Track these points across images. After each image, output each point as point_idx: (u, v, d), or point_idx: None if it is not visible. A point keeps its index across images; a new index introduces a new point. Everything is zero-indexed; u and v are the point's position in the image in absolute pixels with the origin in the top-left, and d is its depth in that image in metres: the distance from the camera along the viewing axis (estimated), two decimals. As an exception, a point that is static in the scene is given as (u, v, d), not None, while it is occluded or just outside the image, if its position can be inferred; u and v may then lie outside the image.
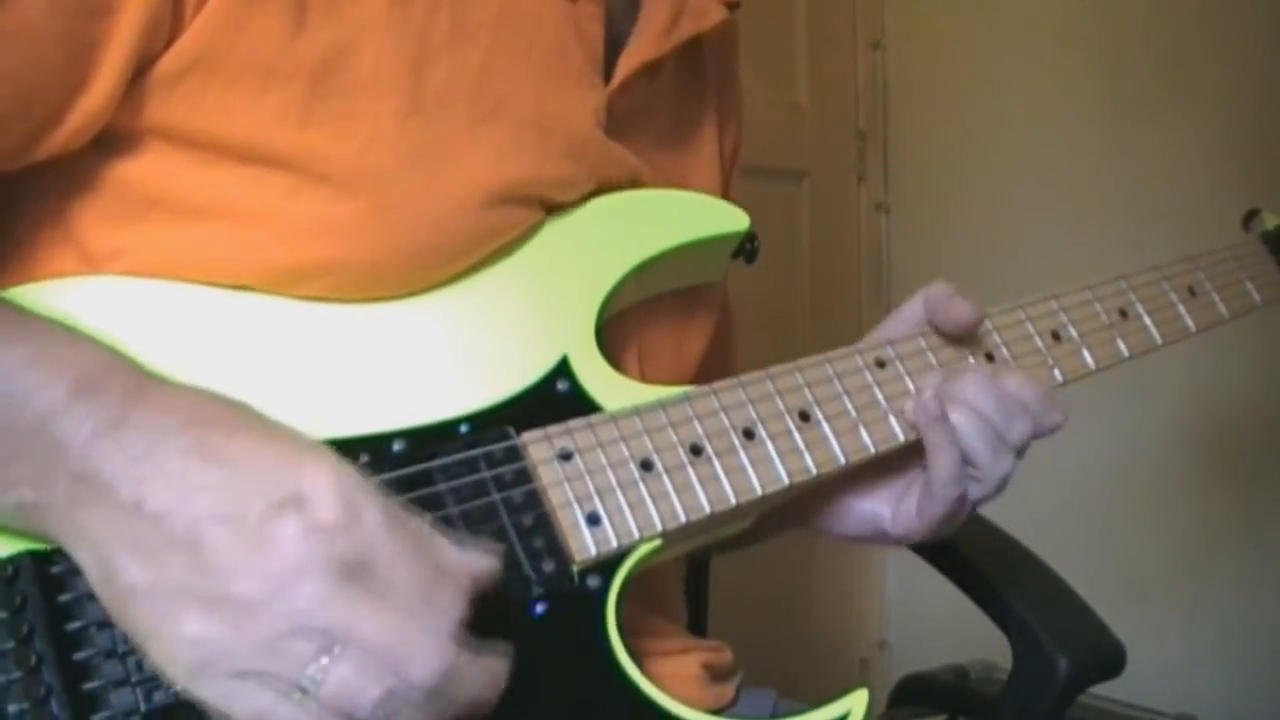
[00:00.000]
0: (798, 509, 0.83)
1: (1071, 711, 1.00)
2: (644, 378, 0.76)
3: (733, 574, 1.22)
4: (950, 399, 0.75)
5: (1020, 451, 0.77)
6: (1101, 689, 1.16)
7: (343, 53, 0.65)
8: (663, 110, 0.83)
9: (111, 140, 0.65)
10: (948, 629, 1.67)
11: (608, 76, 0.77)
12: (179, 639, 0.52)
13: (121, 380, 0.56)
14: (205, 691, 0.52)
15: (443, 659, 0.53)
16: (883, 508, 0.80)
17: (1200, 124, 1.88)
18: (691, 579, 1.21)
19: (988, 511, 1.13)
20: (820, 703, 0.68)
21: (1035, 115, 2.07)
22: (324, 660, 0.52)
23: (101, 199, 0.66)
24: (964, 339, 0.81)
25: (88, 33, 0.60)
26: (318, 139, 0.65)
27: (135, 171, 0.65)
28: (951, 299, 0.79)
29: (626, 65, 0.77)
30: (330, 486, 0.53)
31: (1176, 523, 1.91)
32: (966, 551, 1.07)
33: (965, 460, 0.75)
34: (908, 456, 0.78)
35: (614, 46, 0.77)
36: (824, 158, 2.23)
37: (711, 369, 0.82)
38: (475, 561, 0.57)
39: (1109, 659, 1.01)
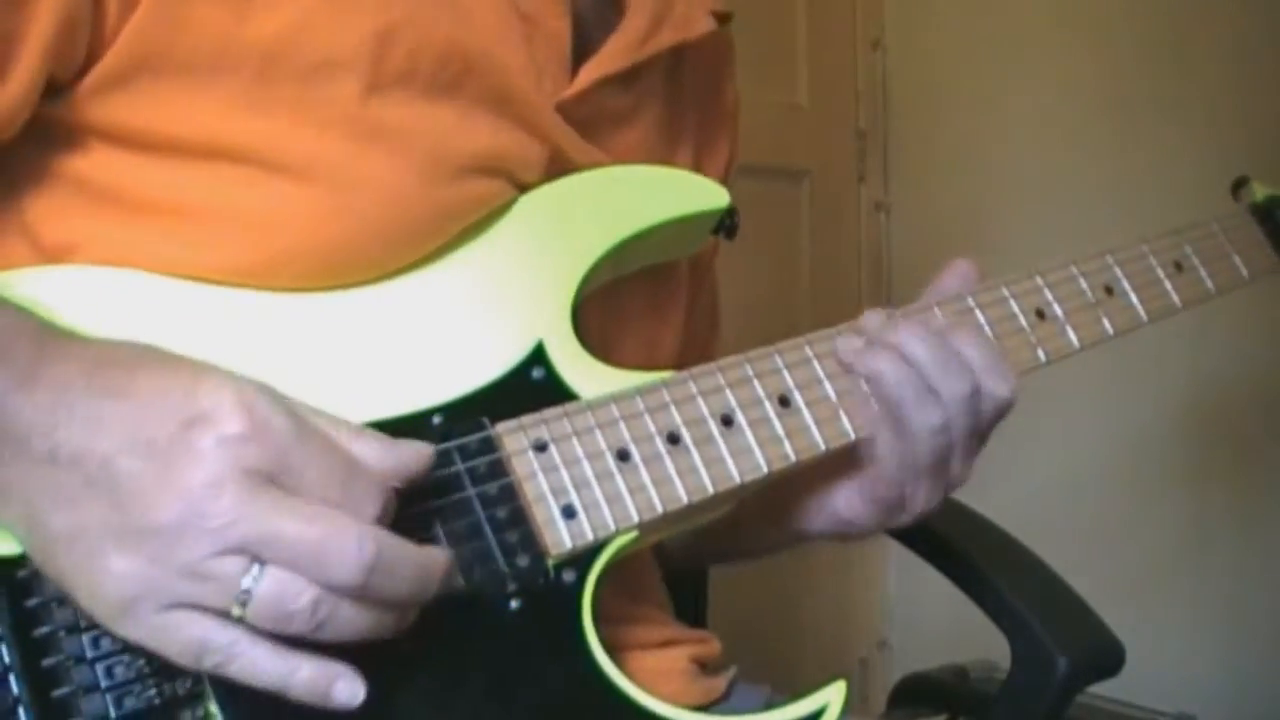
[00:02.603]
0: (767, 508, 0.82)
1: (1071, 711, 1.00)
2: (613, 364, 0.73)
3: (732, 574, 1.21)
4: (881, 343, 0.73)
5: (952, 405, 0.73)
6: (1101, 688, 1.16)
7: (293, 37, 0.64)
8: (641, 122, 0.81)
9: (57, 136, 0.64)
10: (948, 629, 1.66)
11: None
12: (104, 579, 0.52)
13: (28, 340, 0.56)
14: (137, 630, 0.53)
15: (365, 550, 0.52)
16: (839, 494, 0.78)
17: (1201, 122, 1.88)
18: (690, 579, 1.21)
19: (987, 510, 1.14)
20: (797, 695, 0.67)
21: (1035, 115, 2.07)
22: (251, 574, 0.52)
23: (53, 193, 0.65)
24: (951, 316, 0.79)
25: (2, 25, 0.60)
26: (271, 126, 0.64)
27: (85, 168, 0.65)
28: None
29: (587, 75, 0.75)
30: (232, 399, 0.54)
31: (1176, 522, 1.91)
32: (966, 550, 1.07)
33: (890, 411, 0.73)
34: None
35: (584, 46, 0.76)
36: (824, 158, 2.23)
37: (691, 357, 0.81)
38: (396, 455, 0.57)
39: (1108, 658, 1.01)
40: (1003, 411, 0.75)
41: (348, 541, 0.52)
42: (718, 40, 0.86)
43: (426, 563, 0.56)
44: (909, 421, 0.72)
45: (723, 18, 0.84)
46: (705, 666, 0.81)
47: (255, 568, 0.52)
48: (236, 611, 0.52)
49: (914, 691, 1.48)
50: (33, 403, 0.53)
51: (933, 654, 1.64)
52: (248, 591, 0.52)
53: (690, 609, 1.11)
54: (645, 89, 0.80)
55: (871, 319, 0.76)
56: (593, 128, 0.75)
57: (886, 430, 0.74)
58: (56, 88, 0.63)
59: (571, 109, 0.74)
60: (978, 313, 0.80)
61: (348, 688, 0.55)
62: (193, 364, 0.56)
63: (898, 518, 0.78)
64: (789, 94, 2.18)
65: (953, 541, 1.08)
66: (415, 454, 0.58)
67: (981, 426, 0.75)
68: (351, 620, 0.54)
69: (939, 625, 1.93)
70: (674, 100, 0.84)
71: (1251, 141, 1.80)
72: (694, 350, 0.86)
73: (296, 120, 0.64)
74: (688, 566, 0.98)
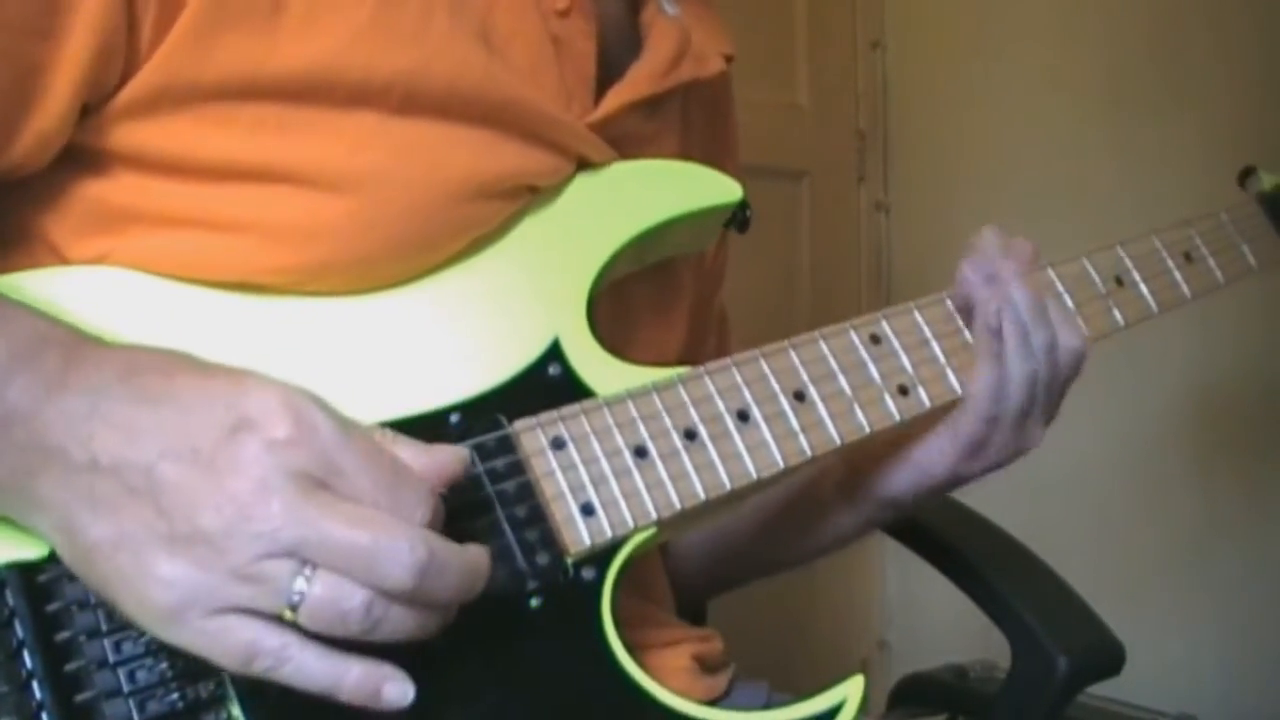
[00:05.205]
0: (844, 482, 0.85)
1: (1071, 711, 1.00)
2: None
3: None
4: (998, 279, 0.77)
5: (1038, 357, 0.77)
6: (1101, 688, 1.16)
7: (324, 70, 0.64)
8: (661, 150, 0.82)
9: (82, 160, 0.64)
10: (948, 629, 1.67)
11: (600, 97, 0.75)
12: (152, 584, 0.52)
13: (57, 346, 0.55)
14: (186, 635, 0.52)
15: (418, 552, 0.52)
16: (917, 443, 0.81)
17: (1201, 122, 1.88)
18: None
19: (987, 510, 1.14)
20: (816, 690, 0.67)
21: (1035, 115, 2.07)
22: (303, 577, 0.51)
23: (77, 213, 0.65)
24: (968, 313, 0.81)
25: (33, 55, 0.60)
26: (300, 146, 0.64)
27: (109, 190, 0.64)
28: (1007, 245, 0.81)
29: (615, 98, 0.75)
30: (278, 404, 0.53)
31: (1177, 522, 1.91)
32: (966, 551, 1.07)
33: (994, 348, 0.76)
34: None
35: (609, 70, 0.76)
36: (824, 158, 2.23)
37: (703, 355, 0.82)
38: (435, 460, 0.57)
39: (1108, 658, 1.01)
40: (1077, 364, 0.80)
41: (399, 545, 0.52)
42: (723, 79, 0.89)
43: (474, 563, 0.56)
44: (1008, 363, 0.76)
45: (729, 57, 0.86)
46: (705, 664, 0.82)
47: (307, 570, 0.51)
48: (289, 615, 0.52)
49: (914, 691, 1.48)
50: (64, 413, 0.53)
51: (933, 654, 1.64)
52: (300, 594, 0.51)
53: (689, 608, 1.11)
54: (665, 118, 0.81)
55: (990, 237, 0.80)
56: (619, 151, 0.76)
57: (987, 365, 0.77)
58: (82, 112, 0.63)
59: (598, 131, 0.74)
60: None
61: (397, 688, 0.54)
62: (229, 369, 0.56)
63: (975, 463, 0.80)
64: (789, 94, 2.18)
65: (953, 542, 1.08)
66: (453, 456, 0.58)
67: (1059, 380, 0.79)
68: (403, 621, 0.53)
69: (939, 625, 1.93)
70: (686, 132, 0.85)
71: (1256, 138, 1.81)
72: (706, 349, 0.86)
73: (328, 140, 0.64)
74: (707, 587, 0.98)
